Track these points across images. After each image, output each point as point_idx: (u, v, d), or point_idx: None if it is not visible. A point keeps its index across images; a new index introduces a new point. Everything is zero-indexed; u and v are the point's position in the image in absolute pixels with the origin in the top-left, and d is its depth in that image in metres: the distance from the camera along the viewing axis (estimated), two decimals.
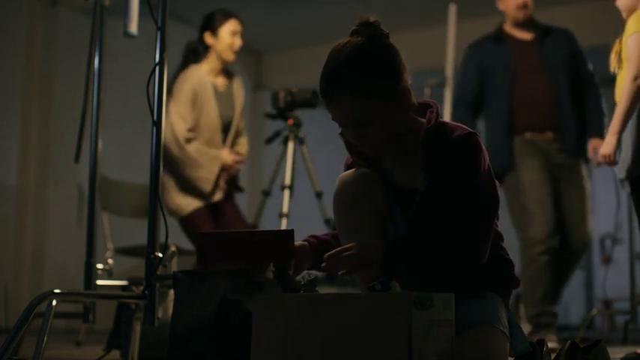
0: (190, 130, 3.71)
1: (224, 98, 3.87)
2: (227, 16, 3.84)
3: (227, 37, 3.81)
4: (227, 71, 3.94)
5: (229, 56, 3.83)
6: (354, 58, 1.63)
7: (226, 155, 3.81)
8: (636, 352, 2.51)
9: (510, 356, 1.67)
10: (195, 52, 3.86)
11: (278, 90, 3.78)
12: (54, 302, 2.07)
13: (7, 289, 5.13)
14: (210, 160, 3.73)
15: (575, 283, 9.65)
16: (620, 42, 2.81)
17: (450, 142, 1.65)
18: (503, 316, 1.65)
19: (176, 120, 3.70)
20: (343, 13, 7.00)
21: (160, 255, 2.19)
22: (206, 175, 3.73)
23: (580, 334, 4.02)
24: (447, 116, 4.50)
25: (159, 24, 2.29)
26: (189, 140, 3.69)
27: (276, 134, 3.87)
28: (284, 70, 7.67)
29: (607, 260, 6.99)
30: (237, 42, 3.85)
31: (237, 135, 3.94)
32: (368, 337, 1.45)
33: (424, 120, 1.70)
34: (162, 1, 2.30)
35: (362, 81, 1.61)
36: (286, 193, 3.64)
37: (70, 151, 2.65)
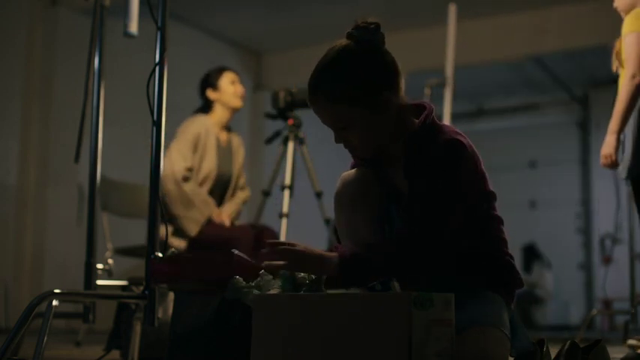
0: (189, 169, 3.76)
1: (224, 153, 3.97)
2: (222, 69, 4.00)
3: (228, 86, 3.94)
4: (228, 127, 4.06)
5: (236, 102, 3.95)
6: (335, 63, 1.66)
7: (216, 211, 3.83)
8: (636, 352, 2.51)
9: (511, 356, 1.66)
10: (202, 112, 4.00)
11: (278, 90, 3.78)
12: (54, 302, 2.07)
13: (7, 289, 5.13)
14: (202, 202, 3.77)
15: (575, 283, 9.67)
16: (620, 42, 2.81)
17: (434, 146, 1.65)
18: (504, 317, 1.65)
19: (176, 157, 3.74)
20: (343, 13, 7.05)
21: (160, 255, 2.19)
22: (197, 216, 3.74)
23: (580, 334, 4.02)
24: (447, 116, 4.50)
25: (159, 24, 2.29)
26: (186, 179, 3.75)
27: (276, 134, 3.87)
28: (284, 70, 7.67)
29: (607, 260, 6.99)
30: (239, 88, 3.98)
31: (238, 188, 4.02)
32: (368, 336, 1.45)
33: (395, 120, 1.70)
34: (162, 1, 2.30)
35: (338, 87, 1.64)
36: (286, 193, 3.64)
37: (70, 151, 2.65)
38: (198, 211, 3.75)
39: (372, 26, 1.67)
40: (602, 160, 2.76)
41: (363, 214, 1.72)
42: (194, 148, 3.82)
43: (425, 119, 1.69)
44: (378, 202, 1.74)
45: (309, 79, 1.69)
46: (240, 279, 1.73)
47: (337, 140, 1.72)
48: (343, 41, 1.68)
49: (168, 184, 3.70)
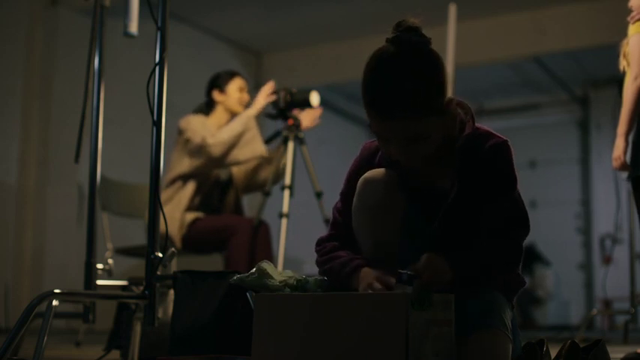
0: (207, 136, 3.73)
1: None
2: (232, 74, 3.99)
3: (235, 92, 3.93)
4: None
5: (239, 110, 3.94)
6: (414, 73, 1.56)
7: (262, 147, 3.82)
8: (636, 351, 2.51)
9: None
10: (201, 112, 3.98)
11: (278, 90, 3.78)
12: (54, 302, 2.07)
13: (7, 289, 5.13)
14: (244, 142, 3.75)
15: (575, 283, 9.66)
16: (627, 43, 2.81)
17: (487, 150, 1.65)
18: (507, 318, 1.65)
19: (195, 130, 3.71)
20: (343, 13, 7.04)
21: (160, 255, 2.19)
22: (250, 146, 3.74)
23: (580, 334, 4.02)
24: None
25: (159, 24, 2.29)
26: (207, 138, 3.70)
27: (276, 134, 3.87)
28: (284, 70, 7.67)
29: (607, 260, 6.99)
30: (245, 96, 3.97)
31: (242, 189, 4.01)
32: (366, 336, 1.45)
33: (450, 124, 1.67)
34: (162, 1, 2.30)
35: (424, 96, 1.56)
36: (286, 193, 3.64)
37: (70, 151, 2.65)
38: (247, 148, 3.73)
39: (418, 28, 1.62)
40: (613, 163, 2.78)
41: (388, 215, 1.68)
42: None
43: (473, 123, 1.68)
44: (403, 202, 1.69)
45: (380, 94, 1.57)
46: (273, 280, 1.71)
47: (395, 151, 1.61)
48: (399, 49, 1.59)
49: (210, 152, 3.67)
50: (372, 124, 1.61)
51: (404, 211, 1.69)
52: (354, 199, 1.71)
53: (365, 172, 1.73)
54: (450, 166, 1.66)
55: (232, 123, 3.76)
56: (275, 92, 3.77)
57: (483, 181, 1.65)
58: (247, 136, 3.73)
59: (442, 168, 1.68)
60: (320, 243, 1.79)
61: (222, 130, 3.74)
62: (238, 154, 3.72)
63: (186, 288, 2.11)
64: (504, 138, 1.68)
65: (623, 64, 2.86)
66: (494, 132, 1.70)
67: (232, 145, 3.70)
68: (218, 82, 3.94)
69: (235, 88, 3.92)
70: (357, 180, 1.72)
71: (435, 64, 1.60)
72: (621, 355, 2.49)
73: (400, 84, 1.56)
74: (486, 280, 1.66)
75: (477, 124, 1.70)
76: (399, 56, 1.58)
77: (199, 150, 3.69)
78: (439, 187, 1.69)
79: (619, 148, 2.74)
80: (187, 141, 3.73)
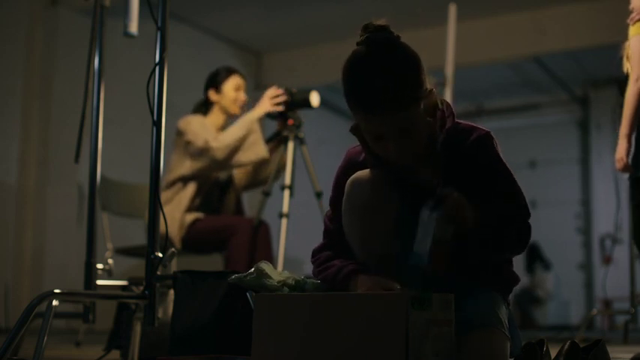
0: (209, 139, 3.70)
1: None
2: (230, 72, 3.92)
3: (231, 92, 3.87)
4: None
5: (234, 110, 3.90)
6: (396, 68, 1.59)
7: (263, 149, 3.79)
8: None
9: (510, 356, 1.66)
10: (199, 111, 3.95)
11: (286, 98, 3.76)
12: (54, 302, 2.07)
13: (7, 289, 5.13)
14: (249, 144, 3.72)
15: (575, 283, 9.67)
16: (629, 45, 2.81)
17: (469, 146, 1.66)
18: (504, 317, 1.65)
19: (196, 133, 3.68)
20: (343, 13, 7.05)
21: (160, 255, 2.19)
22: (253, 149, 3.71)
23: (580, 334, 4.02)
24: None
25: (159, 24, 2.29)
26: (210, 141, 3.68)
27: (276, 134, 3.86)
28: (284, 70, 7.67)
29: (607, 260, 6.99)
30: (242, 96, 3.91)
31: (242, 187, 4.00)
32: (366, 336, 1.45)
33: (431, 119, 1.69)
34: (162, 1, 2.30)
35: (410, 90, 1.59)
36: (286, 193, 3.64)
37: (70, 150, 2.65)
38: (251, 151, 3.70)
39: (388, 27, 1.65)
40: (616, 165, 2.79)
41: (378, 216, 1.68)
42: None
43: (453, 118, 1.69)
44: (393, 203, 1.69)
45: (367, 93, 1.59)
46: (271, 280, 1.72)
47: (395, 151, 1.63)
48: (374, 47, 1.61)
49: (214, 155, 3.65)
50: (362, 123, 1.64)
51: (397, 211, 1.69)
52: (343, 201, 1.72)
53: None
54: (437, 162, 1.68)
55: (235, 126, 3.74)
56: (281, 104, 3.72)
57: (470, 177, 1.65)
58: (250, 140, 3.71)
59: (431, 165, 1.70)
60: (314, 254, 1.80)
61: (226, 133, 3.72)
62: (242, 157, 3.71)
63: (186, 288, 2.11)
64: (486, 130, 1.69)
65: (626, 66, 2.86)
66: (476, 125, 1.71)
67: (236, 148, 3.68)
68: (215, 81, 3.89)
69: (231, 86, 3.88)
70: (344, 185, 1.73)
71: (409, 56, 1.63)
72: (621, 355, 2.49)
73: (379, 78, 1.58)
74: (497, 254, 1.68)
75: (457, 120, 1.71)
76: (371, 55, 1.61)
77: (202, 153, 3.68)
78: (432, 184, 1.69)
79: (622, 150, 2.74)
80: (188, 143, 3.71)
